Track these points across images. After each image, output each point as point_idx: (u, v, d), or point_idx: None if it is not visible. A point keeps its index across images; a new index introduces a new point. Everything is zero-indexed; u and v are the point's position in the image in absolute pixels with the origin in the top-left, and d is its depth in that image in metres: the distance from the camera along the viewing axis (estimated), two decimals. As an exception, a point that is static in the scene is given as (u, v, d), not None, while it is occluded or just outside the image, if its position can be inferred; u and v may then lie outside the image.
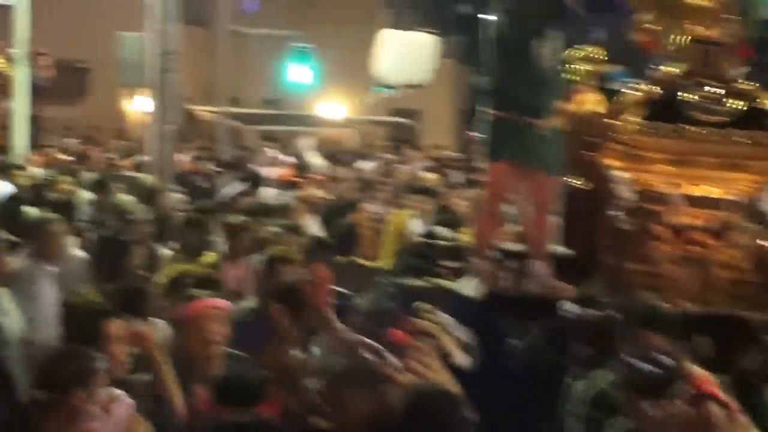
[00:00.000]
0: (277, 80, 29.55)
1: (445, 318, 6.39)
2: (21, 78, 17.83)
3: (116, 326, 5.31)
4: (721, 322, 7.26)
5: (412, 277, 8.11)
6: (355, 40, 26.48)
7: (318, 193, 13.51)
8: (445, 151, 25.45)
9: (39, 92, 21.89)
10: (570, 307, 7.47)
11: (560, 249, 9.47)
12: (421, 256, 8.90)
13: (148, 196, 12.38)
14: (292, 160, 20.49)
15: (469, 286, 8.27)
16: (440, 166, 19.40)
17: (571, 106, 8.67)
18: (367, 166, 19.23)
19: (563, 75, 8.66)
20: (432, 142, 29.46)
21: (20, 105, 17.87)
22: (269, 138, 25.76)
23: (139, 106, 25.95)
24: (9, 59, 18.21)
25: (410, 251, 9.57)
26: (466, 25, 27.88)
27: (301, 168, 18.51)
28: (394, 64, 13.77)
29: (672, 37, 8.45)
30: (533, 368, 6.91)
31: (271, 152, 21.40)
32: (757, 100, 8.28)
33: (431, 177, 15.74)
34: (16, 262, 7.85)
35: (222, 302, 5.86)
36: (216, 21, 26.35)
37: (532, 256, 8.43)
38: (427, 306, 6.42)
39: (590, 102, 8.60)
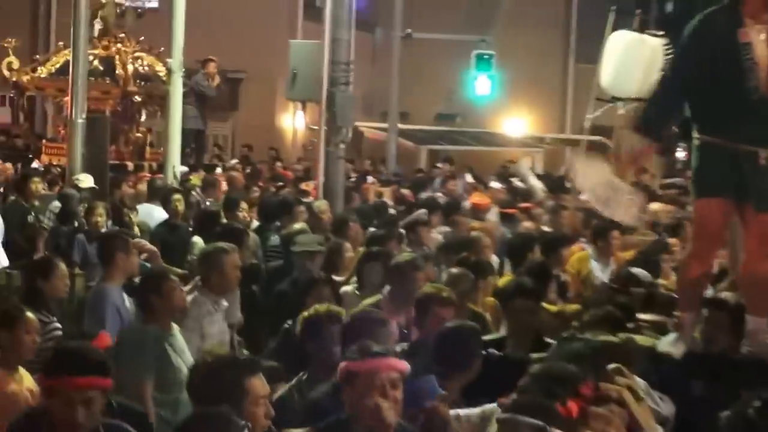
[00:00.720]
0: (453, 92, 29.61)
1: (640, 382, 6.36)
2: (176, 89, 18.11)
3: (259, 384, 5.34)
4: None
5: (603, 332, 7.56)
6: (543, 45, 26.30)
7: (538, 224, 13.42)
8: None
9: (203, 104, 22.57)
10: None
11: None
12: (616, 306, 8.67)
13: (337, 225, 12.64)
14: (497, 185, 20.30)
15: (671, 344, 8.18)
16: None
17: None
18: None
19: None
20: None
21: (174, 118, 18.18)
22: (446, 159, 25.86)
23: (300, 122, 26.35)
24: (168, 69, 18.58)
25: (602, 299, 9.40)
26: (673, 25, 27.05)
27: (522, 195, 18.13)
28: (620, 73, 13.44)
29: None
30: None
31: (468, 176, 21.44)
32: None
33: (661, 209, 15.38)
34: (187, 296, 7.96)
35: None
36: (386, 25, 26.89)
37: (749, 310, 8.16)
38: (618, 367, 6.25)
39: None
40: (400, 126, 27.52)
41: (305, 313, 7.23)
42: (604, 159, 10.63)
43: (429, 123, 32.43)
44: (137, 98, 20.73)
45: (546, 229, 13.59)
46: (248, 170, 21.40)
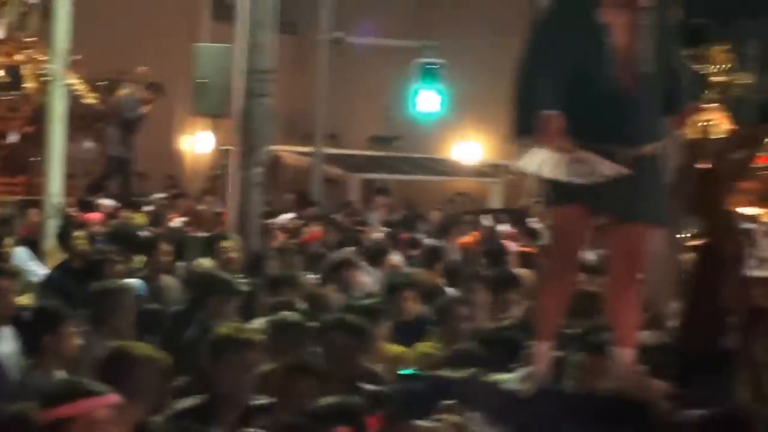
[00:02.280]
0: (392, 109, 30.18)
1: (474, 416, 7.16)
2: (56, 101, 17.98)
3: None
4: None
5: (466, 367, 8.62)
6: (500, 55, 27.22)
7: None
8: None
9: (130, 129, 23.85)
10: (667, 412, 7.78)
11: (658, 333, 9.90)
12: (485, 343, 9.61)
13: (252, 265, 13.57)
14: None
15: (520, 380, 8.37)
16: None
17: (685, 130, 8.87)
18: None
19: (675, 85, 8.44)
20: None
21: (55, 139, 17.97)
22: (381, 190, 26.87)
23: (203, 143, 27.37)
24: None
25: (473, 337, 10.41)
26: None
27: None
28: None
29: None
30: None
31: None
32: None
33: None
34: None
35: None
36: (311, 27, 27.55)
37: (613, 341, 8.51)
38: (452, 404, 7.20)
39: (715, 124, 8.81)
40: (328, 150, 28.19)
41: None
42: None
43: (362, 147, 33.26)
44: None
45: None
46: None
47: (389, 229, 21.32)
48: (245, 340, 8.54)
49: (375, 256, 16.00)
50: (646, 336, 9.63)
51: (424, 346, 10.94)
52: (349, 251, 16.57)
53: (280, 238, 19.15)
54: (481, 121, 30.09)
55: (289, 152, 28.62)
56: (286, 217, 21.97)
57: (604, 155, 7.94)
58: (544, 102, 7.94)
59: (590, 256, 10.26)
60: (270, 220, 21.08)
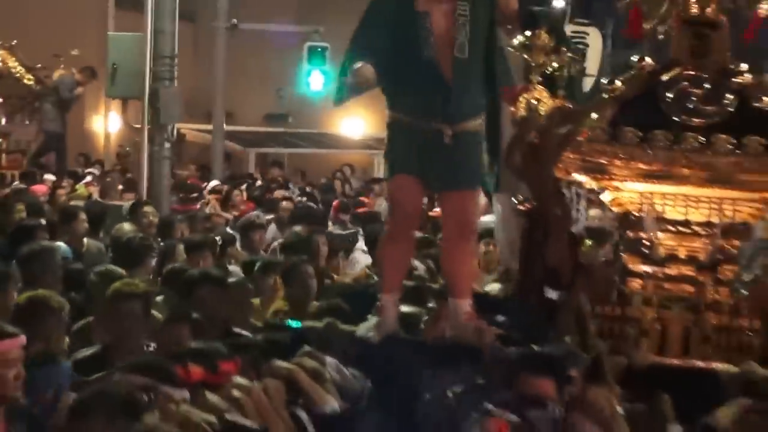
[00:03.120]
0: (284, 89, 30.58)
1: (330, 362, 7.37)
2: None
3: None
4: (689, 377, 8.25)
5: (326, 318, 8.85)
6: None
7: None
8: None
9: (65, 108, 23.92)
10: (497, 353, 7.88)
11: (493, 285, 10.46)
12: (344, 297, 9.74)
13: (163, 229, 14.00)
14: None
15: (371, 329, 8.57)
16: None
17: (513, 107, 8.81)
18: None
19: (498, 66, 8.72)
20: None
21: None
22: (275, 163, 27.48)
23: (114, 123, 27.66)
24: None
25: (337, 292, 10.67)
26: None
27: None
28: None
29: (658, 18, 8.99)
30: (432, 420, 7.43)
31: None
32: (756, 96, 8.75)
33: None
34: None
35: None
36: (208, 14, 27.69)
37: (451, 293, 8.73)
38: (308, 351, 7.44)
39: (539, 102, 8.74)
40: (226, 128, 28.30)
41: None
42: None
43: (257, 124, 33.66)
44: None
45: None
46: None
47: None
48: (132, 292, 8.62)
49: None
50: (496, 288, 10.53)
51: (279, 303, 10.89)
52: (254, 214, 17.01)
53: (213, 202, 19.44)
54: (365, 98, 29.20)
55: (191, 130, 28.78)
56: (213, 183, 22.31)
57: (429, 132, 8.22)
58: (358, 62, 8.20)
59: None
60: (203, 185, 21.78)
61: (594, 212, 10.55)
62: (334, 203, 19.64)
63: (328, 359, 7.37)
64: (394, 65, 8.23)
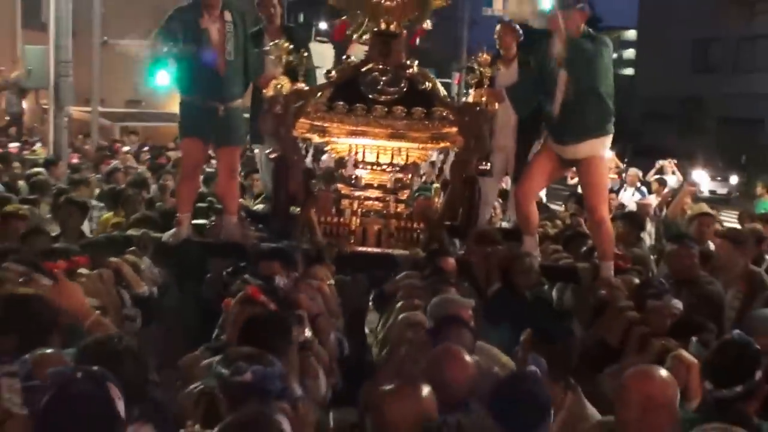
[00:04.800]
0: (140, 83, 28.88)
1: (146, 262, 6.99)
2: None
3: None
4: (375, 259, 8.36)
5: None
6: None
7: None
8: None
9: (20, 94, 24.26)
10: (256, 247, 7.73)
11: (259, 205, 10.27)
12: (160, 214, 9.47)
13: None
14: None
15: (170, 235, 8.52)
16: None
17: (266, 90, 8.66)
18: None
19: (252, 63, 8.76)
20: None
21: None
22: (133, 132, 27.34)
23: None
24: None
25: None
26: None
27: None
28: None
29: (359, 29, 9.07)
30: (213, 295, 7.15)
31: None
32: (421, 81, 8.83)
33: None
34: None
35: None
36: (87, 32, 26.84)
37: (225, 211, 8.86)
38: (133, 250, 7.14)
39: (282, 86, 8.61)
40: (100, 109, 27.91)
41: None
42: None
43: (122, 106, 33.43)
44: None
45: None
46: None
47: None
48: (10, 212, 8.58)
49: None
50: (260, 207, 10.43)
51: (112, 217, 10.43)
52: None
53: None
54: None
55: (77, 110, 27.45)
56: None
57: (208, 108, 8.40)
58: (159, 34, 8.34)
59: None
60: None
61: (325, 157, 10.33)
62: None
63: (145, 258, 7.10)
64: (186, 63, 8.31)
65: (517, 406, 3.79)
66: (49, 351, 4.07)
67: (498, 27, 9.87)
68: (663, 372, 4.18)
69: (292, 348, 4.81)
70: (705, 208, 10.20)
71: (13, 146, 20.54)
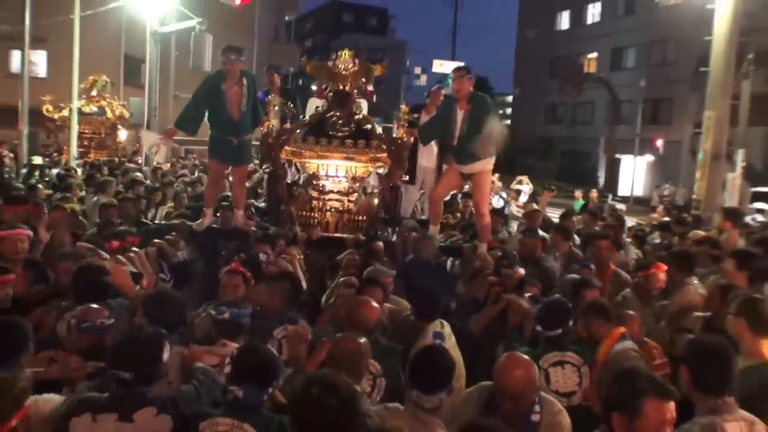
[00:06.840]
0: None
1: (181, 243, 6.57)
2: None
3: None
4: (334, 241, 7.85)
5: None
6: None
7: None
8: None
9: None
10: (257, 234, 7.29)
11: (261, 204, 9.57)
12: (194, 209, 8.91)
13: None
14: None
15: (198, 225, 7.94)
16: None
17: (263, 128, 8.30)
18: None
19: (257, 112, 8.04)
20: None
21: None
22: (189, 151, 24.78)
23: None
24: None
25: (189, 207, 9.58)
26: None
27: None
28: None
29: (327, 88, 8.53)
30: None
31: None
32: (364, 123, 8.46)
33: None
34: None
35: None
36: (166, 89, 25.34)
37: (236, 207, 8.23)
38: (171, 234, 6.72)
39: (273, 126, 8.28)
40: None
41: None
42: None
43: (184, 135, 30.68)
44: None
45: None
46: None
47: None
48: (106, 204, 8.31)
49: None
50: (262, 205, 9.60)
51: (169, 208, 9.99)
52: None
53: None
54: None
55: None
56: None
57: (227, 140, 7.79)
58: (179, 122, 7.69)
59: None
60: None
61: (304, 174, 9.73)
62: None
63: (182, 242, 6.67)
64: (214, 111, 7.69)
65: (429, 371, 3.51)
66: (94, 306, 4.06)
67: (434, 87, 9.94)
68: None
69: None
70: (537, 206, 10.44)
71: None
